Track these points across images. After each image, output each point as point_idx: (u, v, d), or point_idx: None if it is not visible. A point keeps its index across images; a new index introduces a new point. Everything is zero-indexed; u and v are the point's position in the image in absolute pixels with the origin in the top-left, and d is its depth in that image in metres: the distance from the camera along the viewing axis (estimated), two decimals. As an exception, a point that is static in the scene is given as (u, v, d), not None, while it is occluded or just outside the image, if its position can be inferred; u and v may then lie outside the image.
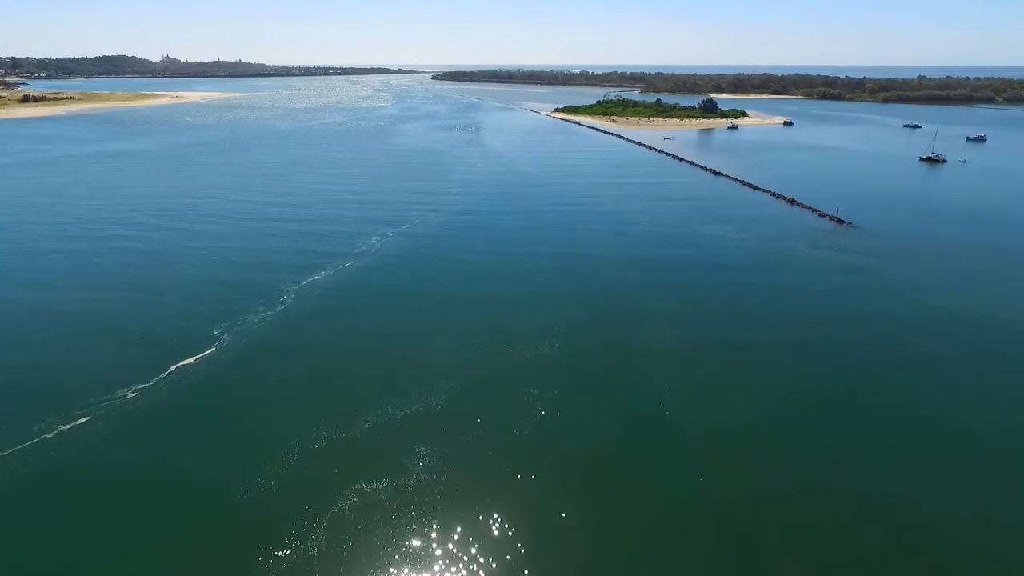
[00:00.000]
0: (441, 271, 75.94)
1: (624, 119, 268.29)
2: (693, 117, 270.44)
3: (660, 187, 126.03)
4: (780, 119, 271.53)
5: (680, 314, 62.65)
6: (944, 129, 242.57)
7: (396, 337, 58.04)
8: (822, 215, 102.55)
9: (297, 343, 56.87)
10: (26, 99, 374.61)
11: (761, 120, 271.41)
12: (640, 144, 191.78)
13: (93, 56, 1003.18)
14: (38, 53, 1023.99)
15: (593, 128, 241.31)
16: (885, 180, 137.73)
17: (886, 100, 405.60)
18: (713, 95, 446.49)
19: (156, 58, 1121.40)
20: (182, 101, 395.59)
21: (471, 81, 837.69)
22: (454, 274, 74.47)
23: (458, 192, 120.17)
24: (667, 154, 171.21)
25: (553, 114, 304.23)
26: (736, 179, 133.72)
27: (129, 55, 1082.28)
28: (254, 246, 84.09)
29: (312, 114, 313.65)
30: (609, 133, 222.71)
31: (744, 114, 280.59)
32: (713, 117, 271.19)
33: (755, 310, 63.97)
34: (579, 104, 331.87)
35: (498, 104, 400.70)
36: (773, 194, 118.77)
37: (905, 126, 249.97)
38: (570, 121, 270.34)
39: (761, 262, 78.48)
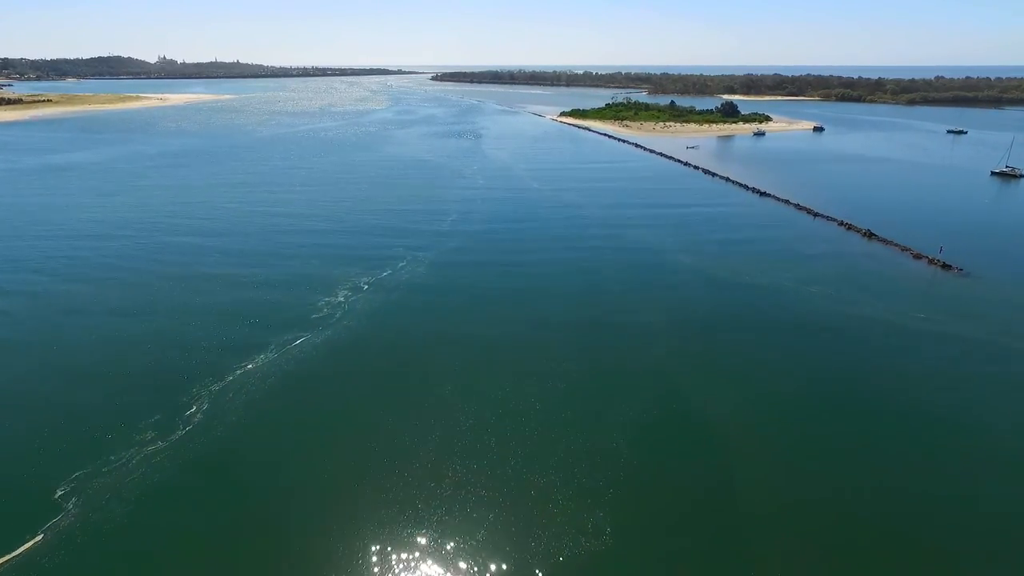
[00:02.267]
0: (426, 355, 53.96)
1: (638, 124, 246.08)
2: (713, 122, 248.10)
3: (699, 214, 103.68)
4: (808, 124, 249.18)
5: (785, 464, 40.57)
6: (992, 135, 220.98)
7: (354, 478, 36.31)
8: (917, 256, 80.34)
9: (199, 502, 35.16)
10: (0, 102, 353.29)
11: (788, 125, 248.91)
12: (661, 155, 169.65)
13: (88, 57, 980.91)
14: (36, 54, 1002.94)
15: (605, 135, 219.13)
16: (965, 203, 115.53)
17: (911, 102, 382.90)
18: (725, 96, 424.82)
19: (153, 59, 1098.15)
20: (165, 104, 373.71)
21: (471, 82, 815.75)
22: (443, 364, 52.35)
23: (454, 221, 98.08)
24: (695, 167, 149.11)
25: (559, 118, 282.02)
26: (787, 201, 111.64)
27: (125, 56, 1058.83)
28: (164, 320, 60.50)
29: (300, 118, 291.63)
30: (624, 141, 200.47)
31: (768, 118, 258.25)
32: (735, 122, 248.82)
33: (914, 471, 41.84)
34: (586, 107, 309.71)
35: (499, 107, 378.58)
36: (841, 223, 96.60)
37: (949, 132, 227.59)
38: (578, 126, 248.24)
39: (871, 351, 55.51)
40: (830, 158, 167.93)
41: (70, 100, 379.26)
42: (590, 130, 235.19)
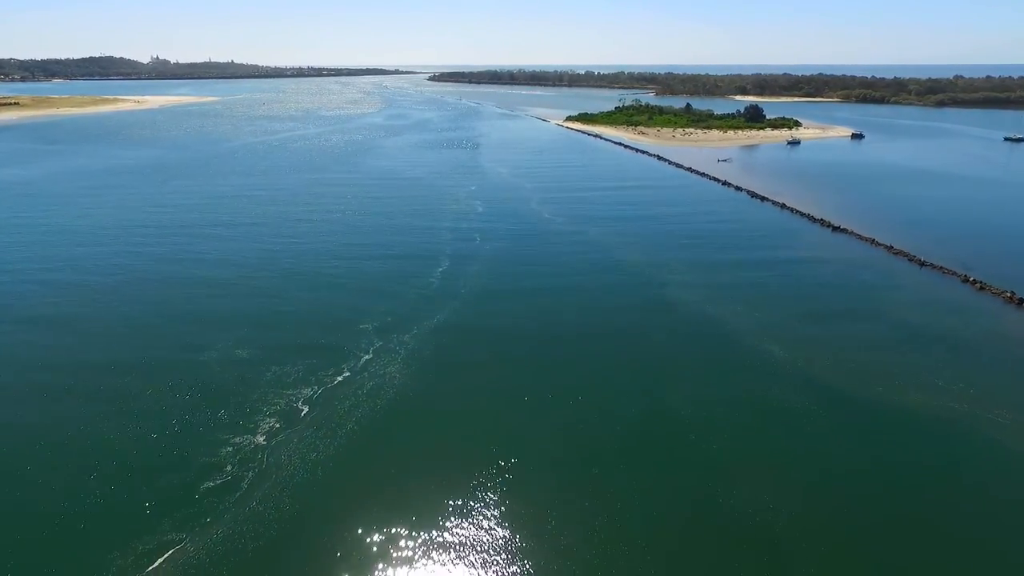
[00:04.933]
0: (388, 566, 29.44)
1: (655, 131, 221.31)
2: (738, 128, 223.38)
3: (770, 271, 78.01)
4: (844, 131, 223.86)
5: None
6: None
7: None
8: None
9: None
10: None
11: (822, 132, 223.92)
12: (691, 170, 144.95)
13: (79, 57, 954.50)
14: (29, 54, 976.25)
15: (619, 144, 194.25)
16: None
17: (939, 104, 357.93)
18: (739, 98, 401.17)
19: (145, 59, 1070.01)
20: (141, 107, 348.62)
21: (470, 83, 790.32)
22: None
23: (442, 278, 72.96)
24: (736, 188, 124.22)
25: (566, 123, 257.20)
26: (873, 241, 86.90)
27: (117, 56, 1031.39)
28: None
29: (282, 123, 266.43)
30: (643, 152, 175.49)
31: (797, 124, 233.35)
32: (762, 128, 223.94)
33: None
34: (594, 110, 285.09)
35: (499, 110, 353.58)
36: (965, 279, 71.87)
37: (1006, 139, 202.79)
38: (588, 133, 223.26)
39: None
40: (890, 174, 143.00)
41: (39, 103, 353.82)
42: (601, 137, 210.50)
